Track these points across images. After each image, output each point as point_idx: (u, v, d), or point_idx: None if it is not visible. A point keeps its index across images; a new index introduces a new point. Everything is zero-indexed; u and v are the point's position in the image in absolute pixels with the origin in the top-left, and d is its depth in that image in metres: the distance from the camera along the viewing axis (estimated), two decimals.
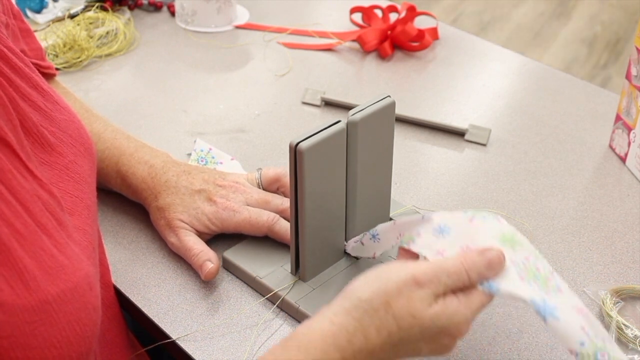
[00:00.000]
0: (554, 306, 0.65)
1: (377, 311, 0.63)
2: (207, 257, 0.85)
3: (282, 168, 0.92)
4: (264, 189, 0.92)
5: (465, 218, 0.70)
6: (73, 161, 0.72)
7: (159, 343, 0.82)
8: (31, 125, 0.68)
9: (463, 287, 0.65)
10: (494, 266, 0.66)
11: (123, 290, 0.86)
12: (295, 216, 0.79)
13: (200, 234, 0.88)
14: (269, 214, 0.87)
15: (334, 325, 0.63)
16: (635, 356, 0.79)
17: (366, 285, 0.64)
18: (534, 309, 0.65)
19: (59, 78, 1.00)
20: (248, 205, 0.88)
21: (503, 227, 0.70)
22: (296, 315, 0.82)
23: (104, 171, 0.93)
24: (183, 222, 0.87)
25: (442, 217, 0.71)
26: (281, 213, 0.88)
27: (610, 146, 1.09)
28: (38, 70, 0.93)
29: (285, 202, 0.89)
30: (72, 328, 0.60)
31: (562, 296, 0.68)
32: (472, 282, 0.65)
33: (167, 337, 0.80)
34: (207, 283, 0.86)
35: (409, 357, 0.66)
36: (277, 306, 0.83)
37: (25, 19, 0.94)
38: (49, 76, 0.97)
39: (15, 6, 0.89)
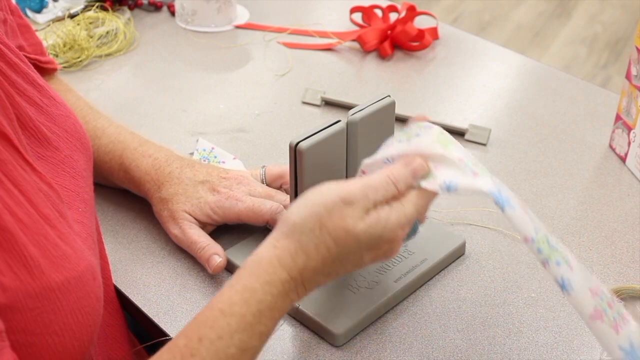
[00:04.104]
0: (508, 197, 0.69)
1: (313, 231, 0.68)
2: (213, 250, 0.85)
3: (287, 166, 0.92)
4: (267, 186, 0.92)
5: (405, 144, 0.74)
6: (69, 156, 0.72)
7: (157, 340, 0.82)
8: (27, 119, 0.69)
9: (393, 198, 0.69)
10: (419, 173, 0.71)
11: (123, 290, 0.86)
12: None
13: (203, 225, 0.88)
14: (272, 203, 0.87)
15: (277, 249, 0.68)
16: None
17: (299, 210, 0.69)
18: (492, 199, 0.69)
19: (59, 77, 1.01)
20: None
21: (436, 135, 0.74)
22: (296, 315, 0.82)
23: (107, 165, 0.93)
24: (186, 212, 0.87)
25: (391, 149, 0.74)
26: None
27: (610, 146, 1.09)
28: (38, 65, 0.93)
29: (288, 200, 0.89)
30: (74, 316, 0.60)
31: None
32: (401, 192, 0.70)
33: (166, 335, 0.81)
34: (207, 283, 0.86)
35: (354, 268, 0.71)
36: None
37: (24, 16, 0.94)
38: (50, 71, 0.97)
39: (13, 2, 0.89)
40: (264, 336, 0.67)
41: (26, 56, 0.89)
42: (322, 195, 0.69)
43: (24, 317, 0.57)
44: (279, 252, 0.68)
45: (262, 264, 0.67)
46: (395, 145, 0.73)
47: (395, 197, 0.69)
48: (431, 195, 0.72)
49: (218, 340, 0.64)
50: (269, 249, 0.69)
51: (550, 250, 0.69)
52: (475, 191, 0.70)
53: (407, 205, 0.69)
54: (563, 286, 0.68)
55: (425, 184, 0.71)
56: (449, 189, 0.71)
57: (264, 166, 0.93)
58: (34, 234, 0.60)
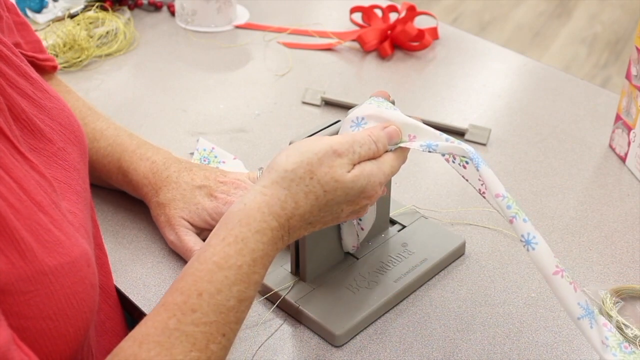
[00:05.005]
0: (481, 158, 0.74)
1: (303, 179, 0.70)
2: None
3: None
4: None
5: (375, 108, 0.77)
6: (62, 148, 0.72)
7: None
8: (19, 111, 0.68)
9: (373, 156, 0.73)
10: (394, 138, 0.75)
11: (123, 290, 0.86)
12: None
13: (200, 231, 0.88)
14: None
15: (266, 196, 0.69)
16: None
17: (289, 158, 0.71)
18: (470, 156, 0.73)
19: (59, 77, 1.00)
20: None
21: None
22: (296, 315, 0.82)
23: (105, 168, 0.93)
24: (184, 219, 0.87)
25: (364, 109, 0.77)
26: None
27: (610, 146, 1.09)
28: (37, 63, 0.93)
29: None
30: (68, 301, 0.60)
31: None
32: (379, 151, 0.74)
33: None
34: None
35: (332, 221, 0.73)
36: (277, 306, 0.83)
37: (22, 14, 0.94)
38: (49, 69, 0.96)
39: (10, 0, 0.89)
40: (258, 285, 0.69)
41: (23, 53, 0.89)
42: (312, 144, 0.71)
43: (18, 300, 0.57)
44: (268, 199, 0.69)
45: (251, 212, 0.68)
46: (365, 106, 0.76)
47: (375, 156, 0.73)
48: (402, 160, 0.76)
49: (218, 294, 0.66)
50: (257, 196, 0.69)
51: (518, 208, 0.72)
52: (454, 149, 0.74)
53: (386, 165, 0.74)
54: (528, 242, 0.71)
55: (405, 144, 0.75)
56: (429, 147, 0.74)
57: (261, 168, 0.93)
58: (27, 219, 0.60)
